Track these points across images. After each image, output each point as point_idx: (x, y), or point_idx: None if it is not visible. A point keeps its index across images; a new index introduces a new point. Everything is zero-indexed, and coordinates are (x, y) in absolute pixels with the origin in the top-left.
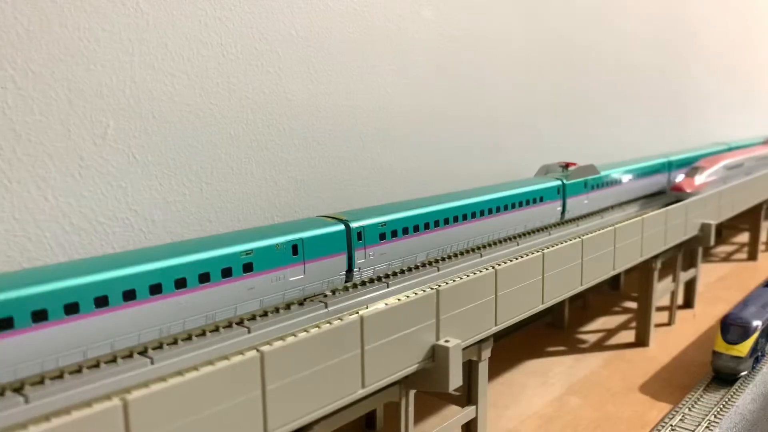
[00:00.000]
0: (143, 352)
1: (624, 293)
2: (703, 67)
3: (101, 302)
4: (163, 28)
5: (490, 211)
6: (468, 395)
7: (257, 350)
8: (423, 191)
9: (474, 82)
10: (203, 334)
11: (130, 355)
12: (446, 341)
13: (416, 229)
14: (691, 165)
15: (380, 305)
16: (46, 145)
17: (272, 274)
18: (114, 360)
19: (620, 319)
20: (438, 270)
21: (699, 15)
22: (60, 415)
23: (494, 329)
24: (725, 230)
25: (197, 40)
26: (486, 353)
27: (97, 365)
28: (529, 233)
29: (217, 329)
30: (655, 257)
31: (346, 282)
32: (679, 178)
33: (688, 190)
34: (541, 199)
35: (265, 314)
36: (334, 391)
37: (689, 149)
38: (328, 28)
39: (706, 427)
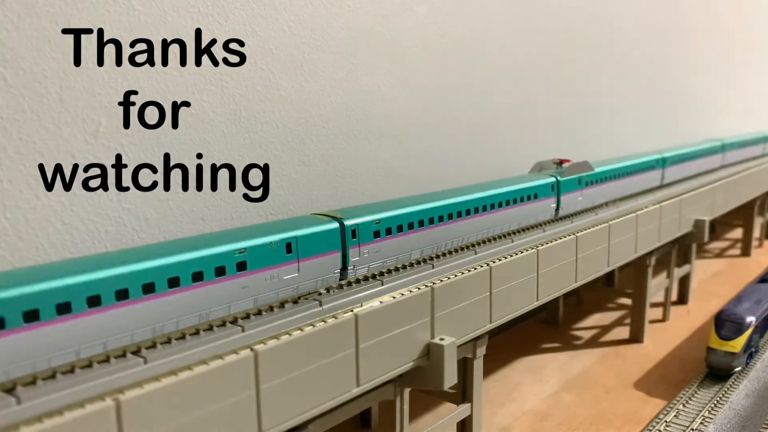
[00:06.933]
0: (136, 352)
1: (618, 290)
2: (696, 63)
3: (94, 302)
4: (156, 26)
5: (484, 209)
6: (463, 393)
7: (251, 349)
8: (417, 189)
9: (468, 79)
10: (197, 333)
11: (123, 355)
12: (441, 339)
13: (411, 226)
14: None
15: (375, 303)
16: (38, 143)
17: (266, 273)
18: (107, 360)
19: (614, 315)
20: (432, 267)
21: (693, 11)
22: (52, 416)
23: (489, 326)
24: (719, 226)
25: (190, 37)
26: (481, 351)
27: (89, 365)
28: (523, 230)
29: (210, 328)
30: (649, 253)
31: (340, 280)
32: None
33: None
34: (536, 196)
35: (259, 313)
36: (329, 389)
37: (683, 145)
38: (321, 24)
39: (701, 422)
